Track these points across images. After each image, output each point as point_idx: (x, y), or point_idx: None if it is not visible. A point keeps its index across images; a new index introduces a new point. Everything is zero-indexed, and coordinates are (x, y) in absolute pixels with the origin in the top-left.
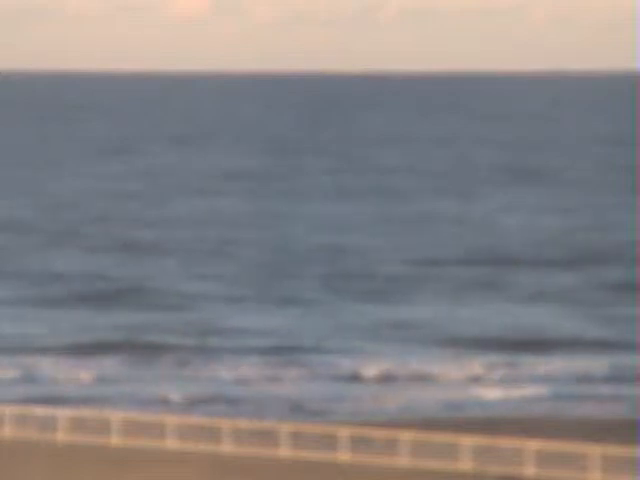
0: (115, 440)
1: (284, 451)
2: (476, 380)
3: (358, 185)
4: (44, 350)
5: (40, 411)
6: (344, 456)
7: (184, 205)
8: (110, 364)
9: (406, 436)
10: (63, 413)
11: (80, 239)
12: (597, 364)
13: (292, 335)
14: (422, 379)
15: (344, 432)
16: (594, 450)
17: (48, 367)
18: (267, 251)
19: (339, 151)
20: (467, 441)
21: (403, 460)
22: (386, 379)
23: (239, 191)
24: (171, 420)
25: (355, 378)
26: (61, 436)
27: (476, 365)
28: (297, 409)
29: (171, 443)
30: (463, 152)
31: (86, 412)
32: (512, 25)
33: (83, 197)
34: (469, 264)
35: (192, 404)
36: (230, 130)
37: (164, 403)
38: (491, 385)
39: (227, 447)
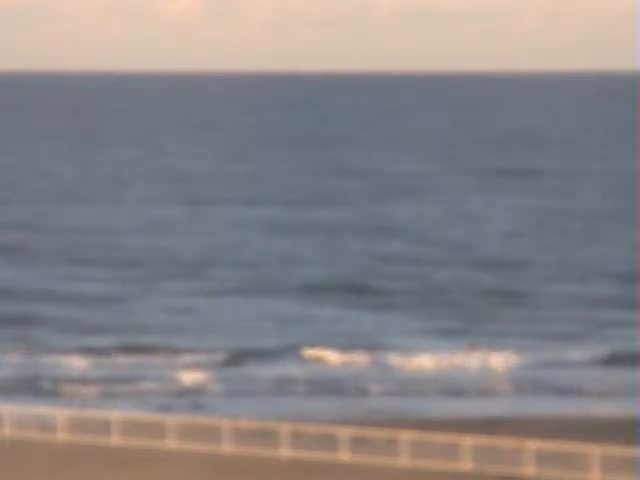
0: (115, 440)
1: (284, 451)
2: None
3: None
4: None
5: (40, 411)
6: (344, 456)
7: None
8: None
9: (406, 436)
10: (63, 413)
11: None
12: None
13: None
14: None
15: (344, 432)
16: (594, 450)
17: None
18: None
19: (330, 152)
20: (467, 441)
21: (403, 460)
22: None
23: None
24: (171, 420)
25: None
26: (61, 436)
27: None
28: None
29: (171, 443)
30: (443, 153)
31: (86, 412)
32: (511, 25)
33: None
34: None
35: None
36: (227, 130)
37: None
38: None
39: (227, 447)
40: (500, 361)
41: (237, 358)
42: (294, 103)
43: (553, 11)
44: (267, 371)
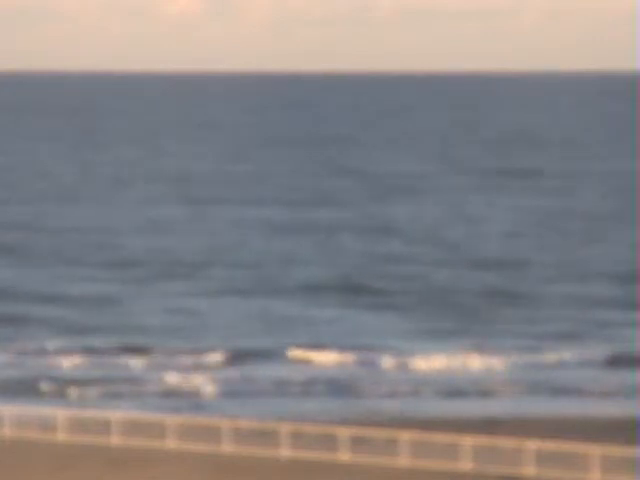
0: (115, 440)
1: (284, 451)
2: None
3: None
4: None
5: (40, 411)
6: (344, 456)
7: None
8: None
9: (406, 436)
10: (63, 413)
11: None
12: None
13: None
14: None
15: (344, 432)
16: (594, 450)
17: None
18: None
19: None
20: (467, 441)
21: (403, 460)
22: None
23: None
24: (171, 420)
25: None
26: (61, 436)
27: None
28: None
29: (171, 443)
30: (442, 153)
31: (86, 412)
32: (511, 25)
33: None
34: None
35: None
36: (227, 130)
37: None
38: None
39: (227, 447)
40: (500, 361)
41: (236, 358)
42: (294, 103)
43: (553, 11)
44: (266, 371)
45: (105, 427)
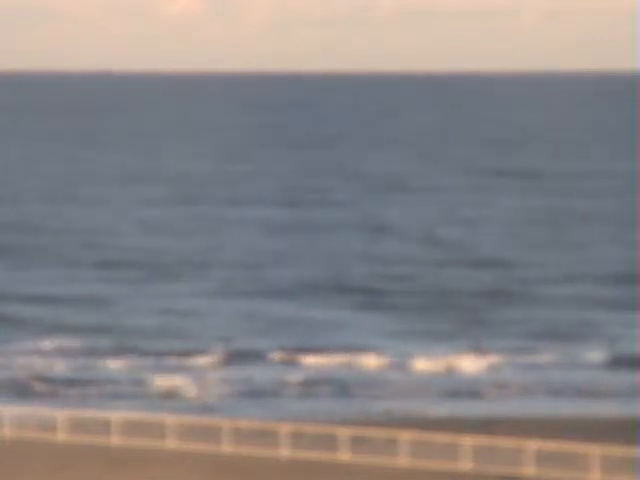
0: (115, 440)
1: (284, 451)
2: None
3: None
4: None
5: (40, 411)
6: (344, 456)
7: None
8: None
9: (406, 436)
10: (63, 413)
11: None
12: None
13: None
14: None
15: (344, 432)
16: (594, 450)
17: None
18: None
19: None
20: (467, 441)
21: (403, 460)
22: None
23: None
24: (171, 420)
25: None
26: (61, 436)
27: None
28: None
29: (171, 443)
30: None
31: (86, 412)
32: (511, 25)
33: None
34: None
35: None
36: (227, 130)
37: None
38: None
39: (227, 447)
40: (499, 361)
41: (234, 358)
42: (294, 103)
43: (553, 11)
44: (265, 371)
45: (105, 427)
